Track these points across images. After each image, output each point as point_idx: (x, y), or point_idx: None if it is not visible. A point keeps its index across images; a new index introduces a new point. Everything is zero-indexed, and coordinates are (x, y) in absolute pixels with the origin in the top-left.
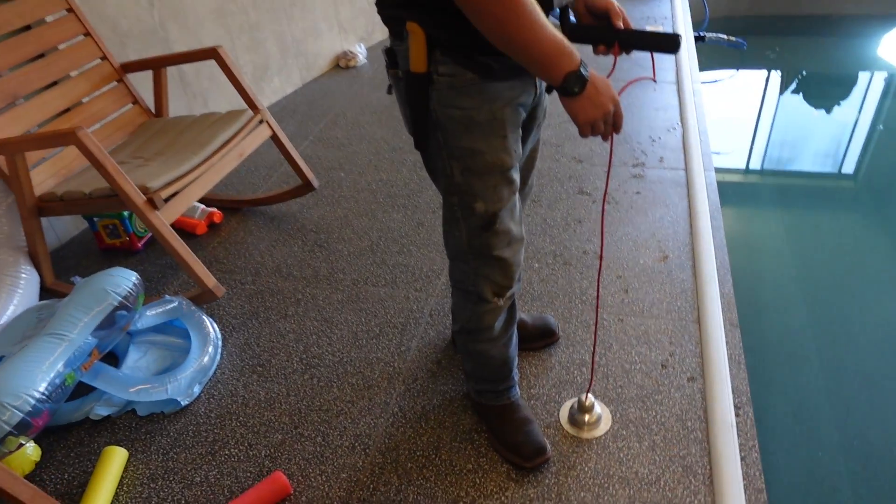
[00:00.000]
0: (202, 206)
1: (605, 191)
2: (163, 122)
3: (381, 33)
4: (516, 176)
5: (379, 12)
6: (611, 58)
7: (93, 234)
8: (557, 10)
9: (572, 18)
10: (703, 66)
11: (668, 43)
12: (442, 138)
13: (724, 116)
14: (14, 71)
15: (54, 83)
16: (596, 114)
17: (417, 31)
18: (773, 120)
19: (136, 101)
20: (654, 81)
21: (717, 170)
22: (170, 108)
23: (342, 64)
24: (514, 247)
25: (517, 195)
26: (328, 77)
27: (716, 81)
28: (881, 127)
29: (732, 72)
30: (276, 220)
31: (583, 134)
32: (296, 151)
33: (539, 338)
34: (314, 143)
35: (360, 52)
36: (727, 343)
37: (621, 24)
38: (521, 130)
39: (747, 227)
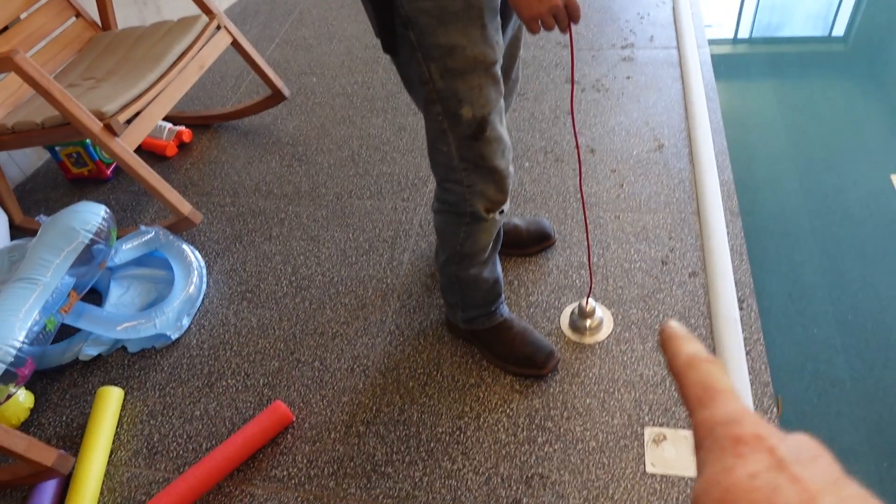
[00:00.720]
0: (169, 126)
1: (572, 85)
2: (112, 35)
3: None
4: (500, 74)
5: None
6: None
7: (57, 165)
8: None
9: None
10: None
11: None
12: (414, 37)
13: None
14: None
15: None
16: (541, 8)
17: None
18: None
19: (78, 14)
20: None
21: (709, 41)
22: (119, 19)
23: None
24: (507, 156)
25: (502, 99)
26: None
27: None
28: None
29: None
30: (249, 135)
31: (531, 30)
32: (261, 58)
33: (535, 242)
34: (281, 46)
35: None
36: (728, 234)
37: None
38: (499, 18)
39: (739, 102)
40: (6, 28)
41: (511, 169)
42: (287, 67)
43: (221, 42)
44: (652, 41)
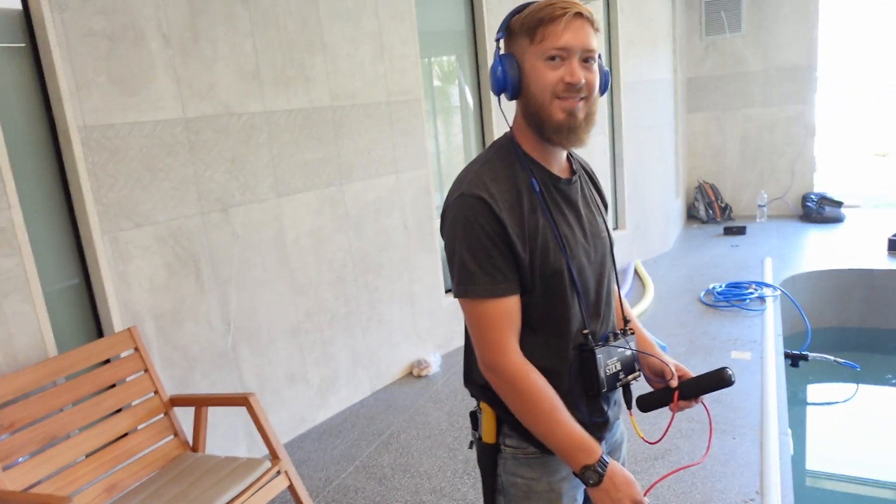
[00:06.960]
0: None
1: None
2: (192, 460)
3: (459, 340)
4: None
5: (465, 385)
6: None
7: None
8: (611, 389)
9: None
10: (813, 380)
11: (719, 380)
12: (504, 502)
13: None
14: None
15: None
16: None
17: (488, 410)
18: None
19: (176, 434)
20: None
21: None
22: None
23: (415, 373)
24: None
25: None
26: (398, 385)
27: (830, 403)
28: None
29: (849, 392)
30: None
31: None
32: None
33: None
34: (358, 471)
35: (435, 361)
36: None
37: (674, 382)
38: None
39: None
40: (105, 446)
41: None
42: (354, 498)
43: (277, 486)
44: None
